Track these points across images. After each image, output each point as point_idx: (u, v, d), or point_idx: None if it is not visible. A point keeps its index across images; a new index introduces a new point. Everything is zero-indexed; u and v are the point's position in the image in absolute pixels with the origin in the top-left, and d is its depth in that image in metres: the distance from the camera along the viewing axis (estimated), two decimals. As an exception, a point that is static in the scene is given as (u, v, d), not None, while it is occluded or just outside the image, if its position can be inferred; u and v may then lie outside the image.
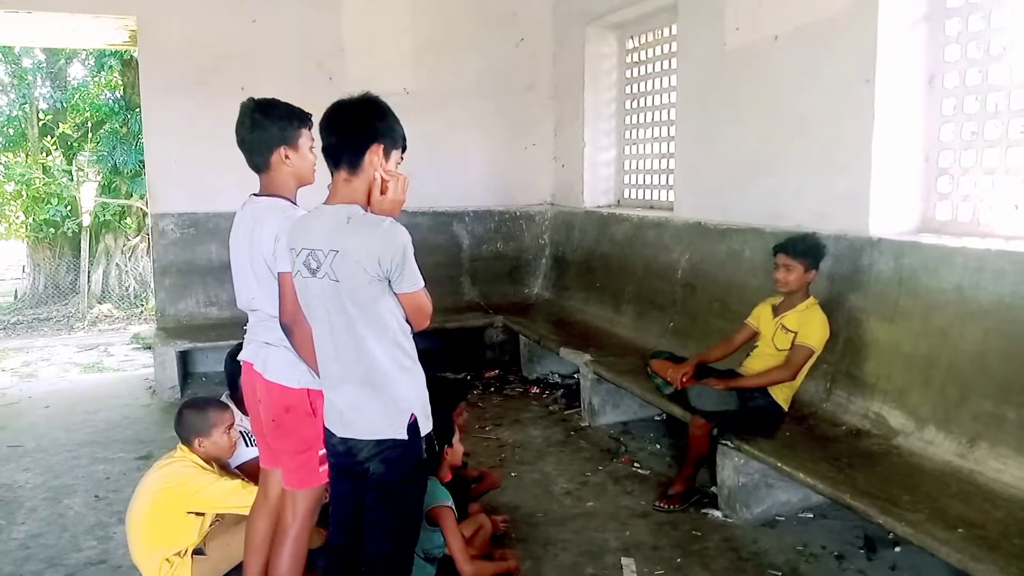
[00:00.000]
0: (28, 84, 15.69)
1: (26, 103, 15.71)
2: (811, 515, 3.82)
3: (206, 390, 6.02)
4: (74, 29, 6.64)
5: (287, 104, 2.64)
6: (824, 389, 4.03)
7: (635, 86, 6.52)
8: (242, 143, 2.62)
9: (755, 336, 4.15)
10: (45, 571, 3.43)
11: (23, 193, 15.63)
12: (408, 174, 7.02)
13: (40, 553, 3.58)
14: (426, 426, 2.23)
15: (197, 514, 3.11)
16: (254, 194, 2.67)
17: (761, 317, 4.15)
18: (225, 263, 6.31)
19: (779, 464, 3.48)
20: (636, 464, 4.53)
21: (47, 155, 15.77)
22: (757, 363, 4.07)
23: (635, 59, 6.51)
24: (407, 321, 2.26)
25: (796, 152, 4.40)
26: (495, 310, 6.70)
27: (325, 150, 2.25)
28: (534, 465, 4.55)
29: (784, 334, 3.96)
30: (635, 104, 6.54)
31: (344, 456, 2.26)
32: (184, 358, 6.38)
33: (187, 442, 3.22)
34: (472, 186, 7.07)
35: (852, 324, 3.97)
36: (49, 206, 15.28)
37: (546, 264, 7.27)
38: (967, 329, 3.41)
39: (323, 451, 2.44)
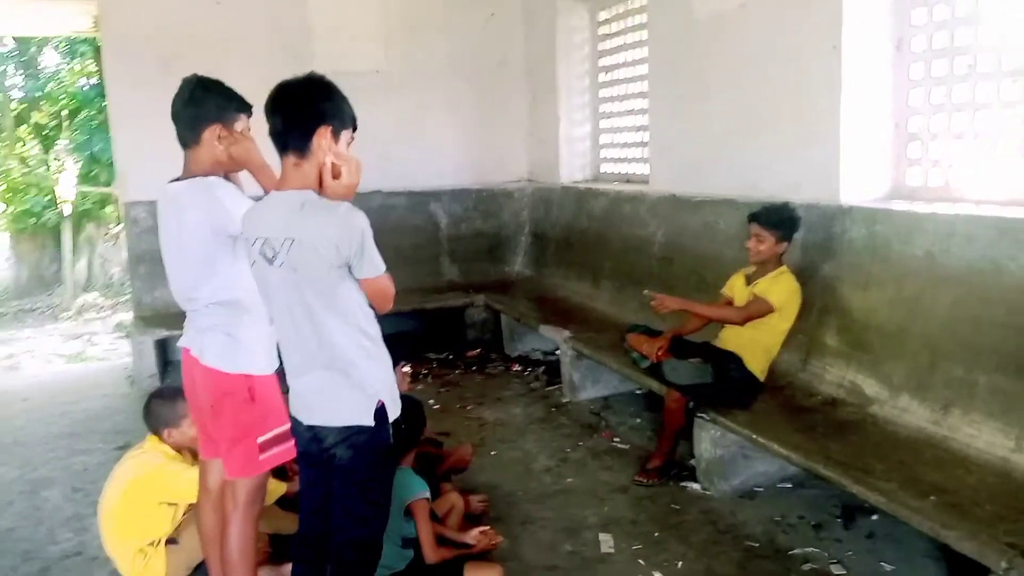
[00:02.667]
0: (0, 73, 15.46)
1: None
2: (789, 485, 3.83)
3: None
4: (36, 16, 6.53)
5: (231, 88, 2.59)
6: (800, 359, 4.03)
7: (608, 59, 6.45)
8: (176, 116, 2.56)
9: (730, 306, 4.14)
10: (20, 565, 3.41)
11: (1, 184, 15.46)
12: (383, 155, 6.97)
13: (16, 547, 3.56)
14: (393, 411, 2.21)
15: (169, 504, 3.10)
16: (169, 181, 2.60)
17: (735, 287, 4.13)
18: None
19: (754, 436, 3.48)
20: (616, 439, 4.54)
21: (23, 145, 15.58)
22: (731, 332, 4.06)
23: (607, 32, 6.43)
24: (370, 305, 2.22)
25: (767, 122, 4.36)
26: (476, 289, 6.67)
27: (271, 135, 2.19)
28: (514, 443, 4.55)
29: (756, 302, 3.96)
30: (608, 77, 6.47)
31: (310, 443, 2.24)
32: (163, 346, 6.32)
33: (156, 432, 3.19)
34: (448, 165, 7.00)
35: (827, 293, 3.96)
36: (28, 197, 15.14)
37: (525, 241, 7.24)
38: (938, 295, 3.40)
39: (263, 438, 2.42)
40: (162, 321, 6.07)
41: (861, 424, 3.47)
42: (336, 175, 2.17)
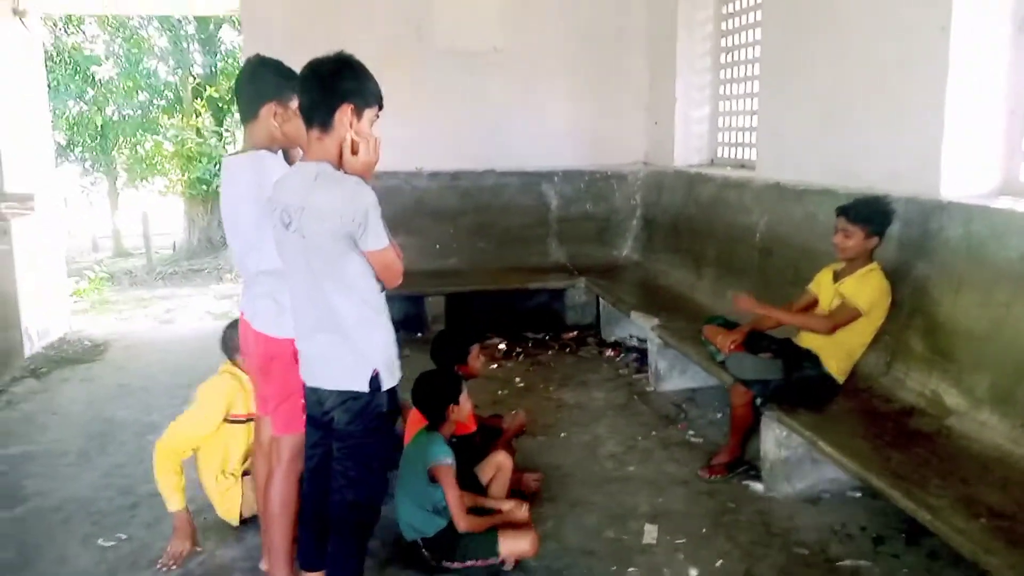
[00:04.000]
0: (183, 51, 16.83)
1: (180, 68, 16.88)
2: (859, 494, 3.63)
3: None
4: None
5: (289, 69, 2.72)
6: (884, 362, 3.78)
7: (731, 38, 6.22)
8: (237, 92, 2.73)
9: (816, 304, 3.95)
10: (116, 497, 3.81)
11: (180, 153, 16.89)
12: (497, 134, 7.06)
13: (117, 481, 3.97)
14: (389, 381, 2.30)
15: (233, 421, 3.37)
16: (228, 155, 2.77)
17: (821, 283, 3.94)
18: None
19: (815, 438, 3.32)
20: (691, 432, 4.44)
21: (198, 117, 16.93)
22: (812, 334, 3.87)
23: (731, 9, 6.19)
24: (377, 279, 2.30)
25: (869, 107, 4.08)
26: (581, 272, 6.65)
27: (300, 109, 2.32)
28: (587, 427, 4.55)
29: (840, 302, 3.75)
30: (730, 57, 6.24)
31: (314, 405, 2.37)
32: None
33: (231, 358, 3.47)
34: (563, 145, 6.98)
35: (917, 294, 3.69)
36: (201, 165, 16.44)
37: (636, 226, 7.13)
38: (1031, 303, 3.10)
39: None
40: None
41: (934, 436, 3.23)
42: (355, 151, 2.26)
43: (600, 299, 6.21)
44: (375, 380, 2.25)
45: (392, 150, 6.78)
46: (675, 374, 5.07)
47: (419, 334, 6.20)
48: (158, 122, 17.54)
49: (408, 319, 6.47)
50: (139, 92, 17.30)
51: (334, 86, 2.25)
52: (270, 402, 2.72)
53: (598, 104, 7.01)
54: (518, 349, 6.02)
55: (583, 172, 7.06)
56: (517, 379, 5.38)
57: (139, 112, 17.66)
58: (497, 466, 3.50)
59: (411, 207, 6.76)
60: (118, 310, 11.14)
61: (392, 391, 2.32)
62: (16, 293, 5.83)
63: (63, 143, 17.01)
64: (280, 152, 2.77)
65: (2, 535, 3.48)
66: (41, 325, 6.30)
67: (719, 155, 6.48)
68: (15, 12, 6.26)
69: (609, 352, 5.91)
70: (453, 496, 3.08)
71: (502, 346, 6.06)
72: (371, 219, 2.18)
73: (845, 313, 3.65)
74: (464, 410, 3.35)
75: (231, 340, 3.43)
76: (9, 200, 5.40)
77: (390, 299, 6.92)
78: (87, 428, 4.70)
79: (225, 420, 3.39)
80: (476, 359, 3.83)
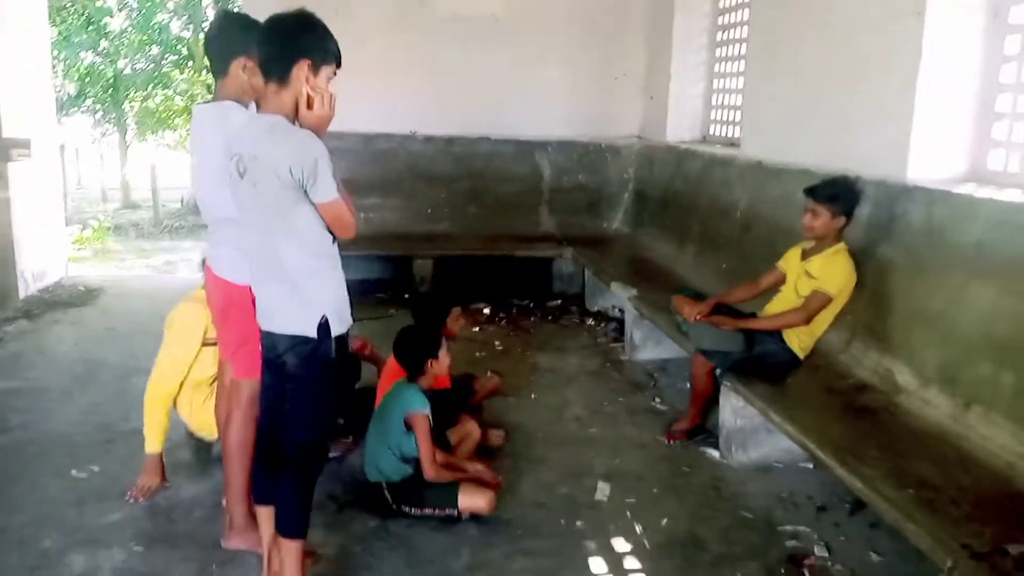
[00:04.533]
0: (195, 5, 16.84)
1: (193, 24, 16.90)
2: (811, 465, 3.72)
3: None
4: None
5: (256, 21, 2.76)
6: (844, 340, 3.86)
7: (728, 16, 6.23)
8: (207, 47, 2.80)
9: (783, 280, 4.03)
10: (92, 433, 3.94)
11: (189, 108, 16.95)
12: (493, 102, 7.11)
13: (95, 419, 4.11)
14: (338, 328, 2.39)
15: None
16: (197, 104, 2.84)
17: (790, 260, 4.02)
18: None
19: (767, 408, 3.42)
20: (658, 400, 4.55)
21: (208, 73, 16.97)
22: (777, 308, 3.96)
23: (729, -12, 6.21)
24: (330, 230, 2.39)
25: (847, 89, 4.13)
26: (569, 242, 6.73)
27: (259, 63, 2.39)
28: (557, 390, 4.66)
29: (807, 280, 3.83)
30: (726, 35, 6.26)
31: (268, 349, 2.48)
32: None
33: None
34: (558, 116, 7.03)
35: (879, 275, 3.76)
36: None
37: (628, 199, 7.19)
38: (981, 287, 3.16)
39: None
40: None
41: (880, 412, 3.32)
42: (310, 106, 2.33)
43: (586, 269, 6.30)
44: (324, 326, 2.35)
45: (388, 113, 6.93)
46: (650, 344, 5.17)
47: (406, 295, 6.30)
48: (169, 76, 17.60)
49: (396, 280, 6.58)
50: (151, 46, 17.35)
51: (293, 42, 2.32)
52: (229, 347, 2.82)
53: (596, 77, 7.06)
54: (501, 314, 6.13)
55: (577, 143, 7.12)
56: (496, 343, 5.49)
57: (151, 66, 17.71)
58: (466, 432, 3.63)
59: (405, 170, 6.84)
60: (119, 259, 11.31)
61: (342, 338, 2.42)
62: (12, 237, 5.95)
63: (73, 93, 17.09)
64: (253, 105, 2.83)
65: (-19, 462, 3.63)
66: (37, 269, 6.43)
67: (711, 132, 6.53)
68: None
69: (590, 321, 6.02)
70: (425, 445, 3.20)
71: (486, 311, 6.17)
72: (320, 171, 2.25)
73: (818, 301, 3.73)
74: (443, 364, 3.46)
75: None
76: (6, 145, 5.49)
77: (379, 259, 7.05)
78: (71, 368, 4.84)
79: (203, 345, 3.47)
80: (455, 321, 3.95)
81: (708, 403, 4.03)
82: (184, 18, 17.26)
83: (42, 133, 6.45)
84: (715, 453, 3.87)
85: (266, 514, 2.57)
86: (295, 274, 2.35)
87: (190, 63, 17.34)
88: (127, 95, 18.04)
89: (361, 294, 5.83)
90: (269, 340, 2.46)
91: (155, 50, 17.56)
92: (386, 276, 6.82)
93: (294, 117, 2.35)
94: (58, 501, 3.30)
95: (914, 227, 3.60)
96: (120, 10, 16.90)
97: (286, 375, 2.43)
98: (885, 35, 3.81)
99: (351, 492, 3.38)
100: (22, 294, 6.13)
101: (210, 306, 2.93)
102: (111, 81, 17.52)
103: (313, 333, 2.35)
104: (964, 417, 3.07)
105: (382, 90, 6.63)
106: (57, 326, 5.69)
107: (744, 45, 5.88)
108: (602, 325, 5.92)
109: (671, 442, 3.99)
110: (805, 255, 3.94)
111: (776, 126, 4.89)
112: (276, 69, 2.32)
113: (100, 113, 18.78)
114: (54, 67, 15.01)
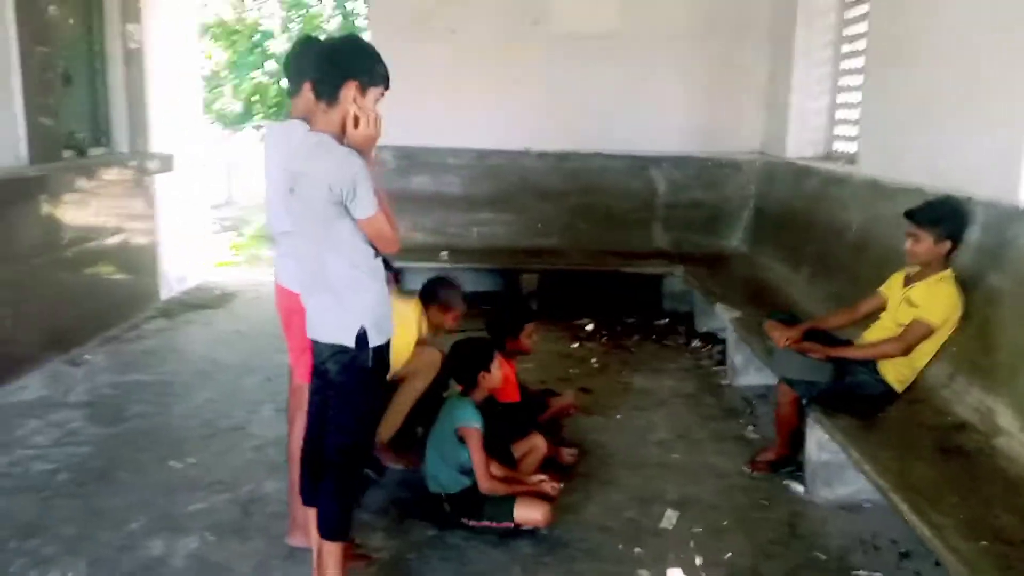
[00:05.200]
0: (351, 26, 17.79)
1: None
2: (903, 508, 3.46)
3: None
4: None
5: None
6: (947, 375, 3.56)
7: (854, 28, 5.90)
8: (286, 68, 3.02)
9: (883, 307, 3.78)
10: (197, 428, 4.25)
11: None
12: (606, 117, 7.10)
13: (203, 414, 4.42)
14: (376, 339, 2.47)
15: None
16: (269, 123, 3.00)
17: (892, 286, 3.77)
18: (430, 193, 6.90)
19: (847, 443, 3.21)
20: (751, 428, 4.37)
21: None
22: (875, 336, 3.72)
23: (854, -2, 5.89)
24: (371, 244, 2.47)
25: (961, 104, 3.82)
26: (683, 260, 6.57)
27: (312, 83, 2.52)
28: (646, 412, 4.57)
29: (907, 308, 3.57)
30: (852, 48, 5.93)
31: (315, 356, 2.60)
32: (396, 276, 7.09)
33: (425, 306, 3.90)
34: (673, 130, 6.87)
35: (988, 305, 3.44)
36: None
37: (748, 216, 6.93)
38: (1095, 322, 2.85)
39: None
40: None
41: (974, 455, 3.04)
42: (356, 125, 2.43)
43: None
44: (362, 337, 2.44)
45: (503, 130, 7.05)
46: (752, 369, 4.96)
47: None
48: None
49: (505, 294, 6.67)
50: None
51: (342, 64, 2.43)
52: (294, 352, 2.98)
53: (714, 92, 6.87)
54: (604, 332, 6.07)
55: (695, 158, 6.94)
56: (594, 359, 5.45)
57: (311, 84, 18.84)
58: (532, 446, 3.64)
59: (516, 185, 6.94)
60: (269, 265, 12.05)
61: (380, 348, 2.50)
62: (156, 243, 6.52)
63: (240, 111, 18.41)
64: None
65: (98, 446, 4.00)
66: (180, 273, 6.99)
67: (835, 149, 6.20)
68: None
69: (696, 343, 5.85)
70: (478, 458, 3.24)
71: (589, 327, 6.13)
72: (359, 188, 2.34)
73: (918, 331, 3.47)
74: (495, 378, 3.49)
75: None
76: (153, 159, 6.03)
77: (485, 273, 7.15)
78: (195, 365, 5.24)
79: None
80: (528, 336, 3.98)
81: (796, 434, 3.83)
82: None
83: (187, 147, 7.02)
84: (799, 488, 3.67)
85: (312, 515, 2.69)
86: (337, 285, 2.45)
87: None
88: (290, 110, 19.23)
89: (471, 305, 5.93)
90: (316, 348, 2.58)
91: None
92: (496, 289, 6.93)
93: (342, 135, 2.45)
94: (153, 488, 3.58)
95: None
96: (283, 32, 18.08)
97: (329, 383, 2.54)
98: (1001, 45, 3.50)
99: (415, 501, 3.46)
100: (164, 296, 6.68)
101: (279, 313, 3.10)
102: (275, 98, 18.73)
103: (352, 343, 2.44)
104: (1066, 466, 2.77)
105: (496, 107, 6.77)
106: (190, 326, 6.17)
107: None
108: (708, 347, 5.74)
109: (754, 473, 3.82)
110: (908, 281, 3.68)
111: (892, 142, 4.59)
112: (326, 90, 2.44)
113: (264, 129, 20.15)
114: (222, 88, 16.35)
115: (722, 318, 5.39)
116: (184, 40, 7.31)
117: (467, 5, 6.70)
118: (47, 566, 2.97)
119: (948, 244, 3.51)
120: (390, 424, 3.72)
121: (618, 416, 4.50)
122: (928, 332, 3.46)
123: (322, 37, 3.01)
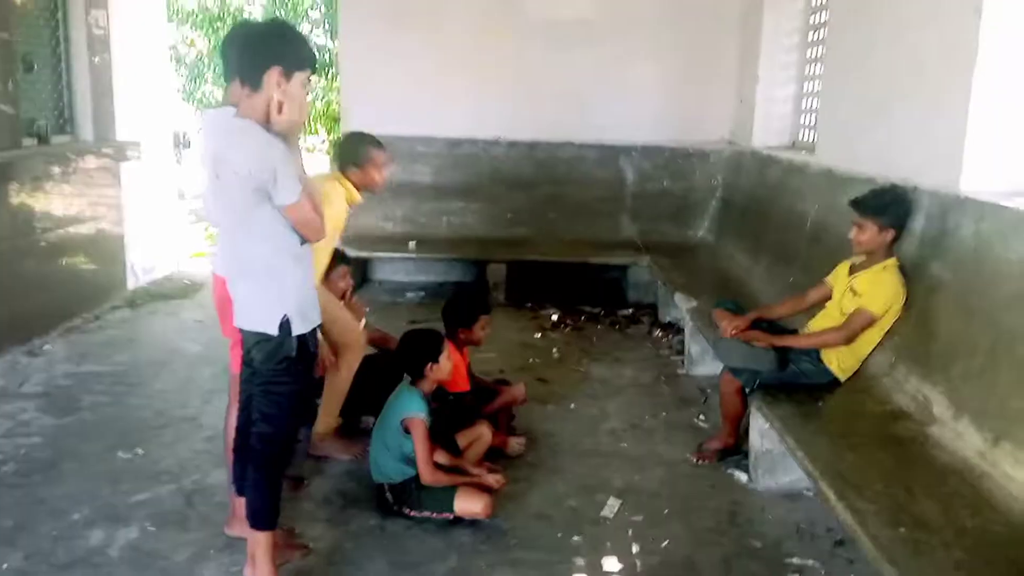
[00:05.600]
0: (334, 15, 17.70)
1: (331, 32, 17.72)
2: (842, 496, 3.48)
3: (382, 297, 6.69)
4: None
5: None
6: (888, 363, 3.58)
7: (819, 16, 5.91)
8: (221, 55, 2.94)
9: (830, 296, 3.80)
10: (149, 418, 4.24)
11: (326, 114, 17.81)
12: (579, 106, 7.08)
13: (156, 404, 4.41)
14: (300, 327, 2.47)
15: None
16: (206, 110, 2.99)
17: (838, 275, 3.80)
18: (401, 183, 6.84)
19: (784, 431, 3.23)
20: (701, 416, 4.39)
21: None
22: (819, 325, 3.74)
23: (823, -14, 5.88)
24: (296, 231, 2.47)
25: (909, 95, 3.83)
26: (650, 250, 6.57)
27: (235, 69, 2.51)
28: (600, 401, 4.58)
29: (851, 297, 3.60)
30: (818, 36, 5.94)
31: (242, 344, 2.60)
32: (363, 266, 7.06)
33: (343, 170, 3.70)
34: (645, 120, 6.88)
35: (928, 295, 3.46)
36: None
37: (715, 207, 6.94)
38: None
39: None
40: (364, 244, 6.58)
41: (908, 443, 3.06)
42: (280, 111, 2.42)
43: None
44: (285, 325, 2.44)
45: (474, 119, 7.03)
46: (708, 359, 4.96)
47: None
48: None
49: (474, 284, 6.67)
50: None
51: (264, 49, 2.41)
52: (231, 342, 2.97)
53: (685, 81, 6.86)
54: (568, 321, 6.08)
55: (663, 148, 6.95)
56: (555, 350, 5.46)
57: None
58: (478, 435, 3.65)
59: (487, 175, 6.93)
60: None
61: (304, 337, 2.50)
62: (123, 233, 6.49)
63: (222, 99, 18.36)
64: None
65: (48, 437, 3.98)
66: (148, 263, 6.96)
67: (800, 138, 6.21)
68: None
69: (658, 332, 5.87)
70: (421, 449, 3.25)
71: (554, 317, 6.14)
72: (280, 175, 2.33)
73: (860, 320, 3.51)
74: (444, 369, 3.48)
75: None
76: (119, 147, 5.98)
77: (453, 263, 7.12)
78: (152, 355, 5.23)
79: None
80: (482, 329, 3.97)
81: (742, 423, 3.85)
82: (326, 26, 18.12)
83: (154, 137, 6.97)
84: (743, 476, 3.69)
85: (242, 504, 2.70)
86: (259, 273, 2.45)
87: (328, 70, 18.17)
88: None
89: (440, 296, 5.91)
90: (244, 336, 2.58)
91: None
92: (465, 279, 6.93)
93: (267, 122, 2.44)
94: (99, 478, 3.57)
95: (964, 243, 3.30)
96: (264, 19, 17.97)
97: (254, 370, 2.54)
98: (944, 36, 3.51)
99: (358, 490, 3.47)
100: (131, 285, 6.65)
101: (214, 302, 3.09)
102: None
103: (275, 331, 2.44)
104: (991, 453, 2.79)
105: (467, 96, 6.75)
106: (153, 316, 6.15)
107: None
108: (668, 337, 5.76)
109: (699, 462, 3.84)
110: (853, 270, 3.71)
111: (847, 132, 4.60)
112: (249, 76, 2.42)
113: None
114: (204, 75, 16.22)
115: (681, 308, 5.41)
116: (152, 26, 7.25)
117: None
118: (-18, 557, 2.97)
119: (892, 233, 3.53)
120: (326, 417, 3.73)
121: (572, 405, 4.51)
122: (870, 321, 3.49)
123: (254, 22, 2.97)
